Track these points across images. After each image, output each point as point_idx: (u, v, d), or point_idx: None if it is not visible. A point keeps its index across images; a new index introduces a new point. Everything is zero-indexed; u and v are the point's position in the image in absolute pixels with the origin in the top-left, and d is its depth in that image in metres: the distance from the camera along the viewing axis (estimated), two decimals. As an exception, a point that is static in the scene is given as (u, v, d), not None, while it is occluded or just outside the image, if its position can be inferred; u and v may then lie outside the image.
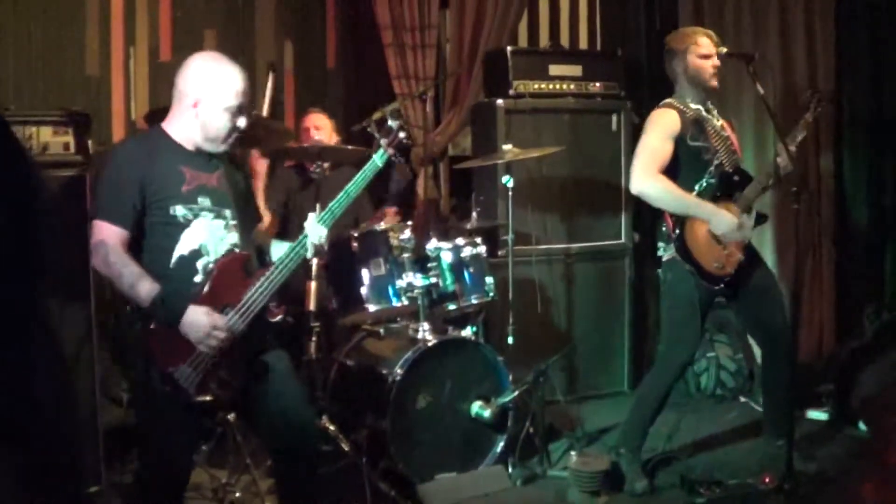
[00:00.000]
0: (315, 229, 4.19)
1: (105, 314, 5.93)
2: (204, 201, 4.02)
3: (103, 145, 6.03)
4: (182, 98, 4.08)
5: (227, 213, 4.09)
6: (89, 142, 4.96)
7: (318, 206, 5.27)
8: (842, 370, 6.23)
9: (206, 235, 4.01)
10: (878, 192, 6.93)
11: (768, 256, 6.83)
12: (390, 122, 4.27)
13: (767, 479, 5.04)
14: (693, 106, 5.24)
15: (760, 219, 5.26)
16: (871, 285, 6.94)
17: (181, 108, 4.09)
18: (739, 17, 7.05)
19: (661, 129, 5.17)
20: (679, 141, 5.14)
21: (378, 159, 4.28)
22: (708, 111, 5.29)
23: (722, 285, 5.18)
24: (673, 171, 5.14)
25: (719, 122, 5.30)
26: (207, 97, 4.04)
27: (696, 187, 5.17)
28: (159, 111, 6.12)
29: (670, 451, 5.73)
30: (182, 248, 3.97)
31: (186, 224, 3.98)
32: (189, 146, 4.10)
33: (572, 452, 5.54)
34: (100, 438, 4.99)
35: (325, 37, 7.56)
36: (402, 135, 4.27)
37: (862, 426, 5.91)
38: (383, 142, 4.27)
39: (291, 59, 7.34)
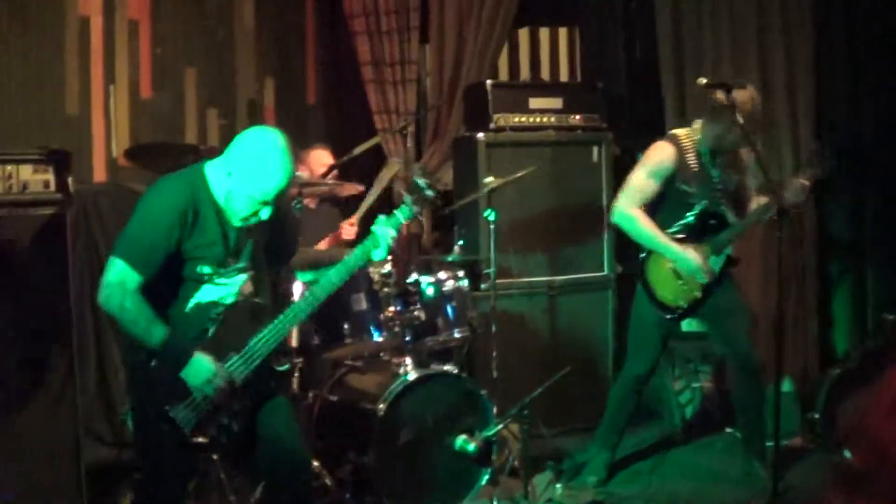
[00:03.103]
0: (385, 230, 4.22)
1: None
2: (231, 262, 4.01)
3: (84, 183, 6.01)
4: (226, 160, 3.96)
5: (251, 265, 4.09)
6: (69, 180, 4.95)
7: (299, 239, 5.29)
8: (827, 398, 6.23)
9: (228, 290, 4.02)
10: (859, 219, 6.93)
11: (753, 284, 6.84)
12: (416, 180, 4.28)
13: (754, 506, 5.06)
14: (702, 147, 5.44)
15: (731, 262, 5.54)
16: (855, 313, 6.95)
17: (222, 167, 3.96)
18: (719, 50, 7.06)
19: (651, 167, 5.44)
20: (669, 181, 5.41)
21: (401, 215, 4.28)
22: (715, 155, 5.45)
23: (675, 316, 5.54)
24: (657, 204, 5.45)
25: (718, 172, 5.46)
26: (242, 179, 3.89)
27: (676, 224, 5.45)
28: (140, 148, 6.19)
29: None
30: (201, 296, 3.98)
31: (210, 281, 3.97)
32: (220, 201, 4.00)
33: (557, 485, 5.54)
34: (82, 476, 4.96)
35: (306, 73, 7.59)
36: (428, 193, 4.29)
37: (847, 454, 5.88)
38: (409, 199, 4.27)
39: (272, 95, 7.36)
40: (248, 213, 3.96)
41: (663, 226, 5.44)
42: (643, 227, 5.41)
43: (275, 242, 4.29)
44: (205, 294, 3.98)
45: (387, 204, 6.41)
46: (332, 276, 4.14)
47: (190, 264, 3.93)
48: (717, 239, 5.43)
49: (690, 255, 5.37)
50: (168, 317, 3.89)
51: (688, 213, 5.44)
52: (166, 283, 3.92)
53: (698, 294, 5.46)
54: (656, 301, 5.52)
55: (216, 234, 3.97)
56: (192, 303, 3.97)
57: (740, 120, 5.02)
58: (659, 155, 5.45)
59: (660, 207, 5.48)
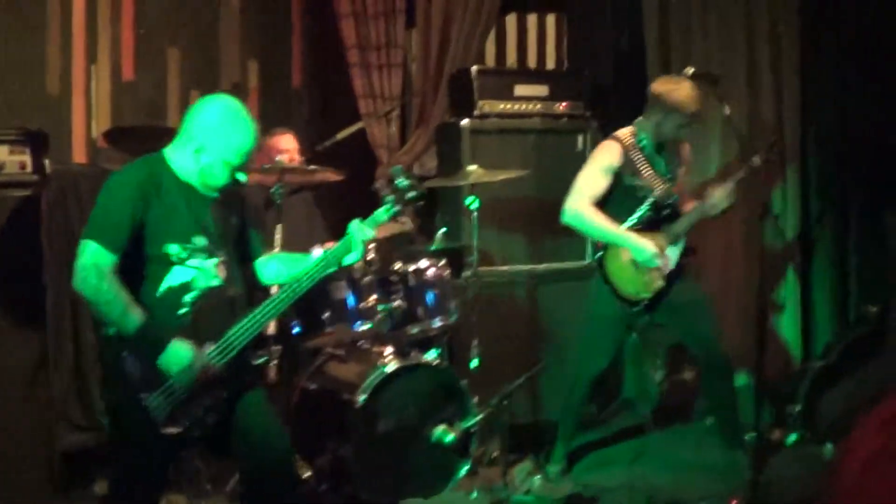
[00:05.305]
0: (361, 232, 4.16)
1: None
2: (198, 240, 3.95)
3: (63, 164, 5.96)
4: (187, 138, 3.97)
5: (221, 251, 4.03)
6: (46, 161, 4.91)
7: (279, 227, 5.24)
8: (808, 391, 6.21)
9: (198, 272, 3.94)
10: (843, 210, 6.91)
11: (735, 276, 6.83)
12: (398, 181, 4.20)
13: (734, 502, 5.04)
14: (644, 142, 5.53)
15: (688, 252, 5.61)
16: (837, 306, 6.93)
17: (185, 147, 3.98)
18: (706, 38, 7.02)
19: (598, 164, 5.53)
20: (617, 176, 5.49)
21: (382, 214, 4.19)
22: (659, 148, 5.56)
23: (640, 307, 5.56)
24: (608, 199, 5.51)
25: (663, 164, 5.56)
26: (211, 149, 3.93)
27: (629, 218, 5.50)
28: (120, 130, 6.13)
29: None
30: (172, 279, 3.91)
31: (179, 262, 3.91)
32: (186, 180, 4.01)
33: (536, 477, 5.51)
34: (55, 462, 4.94)
35: (291, 56, 7.53)
36: (411, 195, 4.21)
37: (829, 448, 5.88)
38: (390, 198, 4.21)
39: (256, 78, 7.29)
40: (225, 181, 4.00)
41: (616, 220, 5.47)
42: (594, 222, 5.44)
43: (246, 234, 4.28)
44: (176, 277, 3.91)
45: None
46: (311, 271, 4.09)
47: (156, 241, 3.88)
48: (672, 228, 5.49)
49: (645, 244, 5.40)
50: (140, 301, 3.84)
51: (640, 207, 5.47)
52: (136, 266, 3.88)
53: (661, 283, 5.48)
54: (619, 296, 5.53)
55: (180, 205, 3.94)
56: (163, 286, 3.90)
57: (727, 111, 5.04)
58: (604, 153, 5.53)
59: (610, 203, 5.50)
